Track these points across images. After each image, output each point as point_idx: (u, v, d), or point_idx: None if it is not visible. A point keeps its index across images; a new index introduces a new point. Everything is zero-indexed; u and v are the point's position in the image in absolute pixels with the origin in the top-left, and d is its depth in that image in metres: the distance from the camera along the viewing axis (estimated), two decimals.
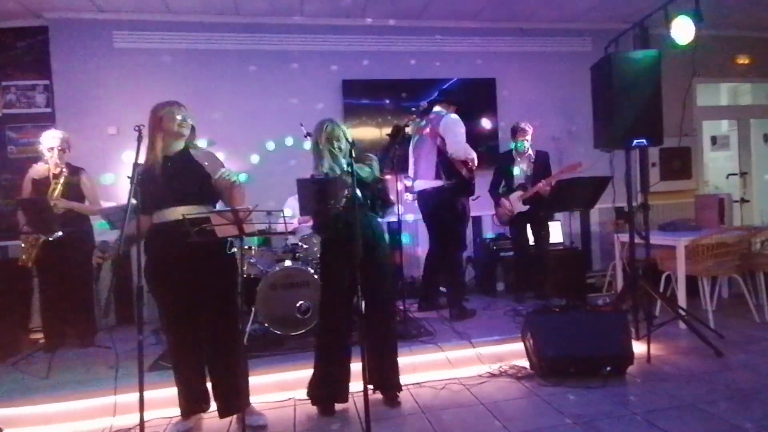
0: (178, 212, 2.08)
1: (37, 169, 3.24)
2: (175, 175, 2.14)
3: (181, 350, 2.27)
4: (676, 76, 3.78)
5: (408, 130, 3.46)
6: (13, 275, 3.32)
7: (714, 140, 6.14)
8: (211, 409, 2.42)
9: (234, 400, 2.20)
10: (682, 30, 3.31)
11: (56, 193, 3.14)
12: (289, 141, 4.39)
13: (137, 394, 1.89)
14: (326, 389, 2.41)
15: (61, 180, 3.17)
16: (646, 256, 3.36)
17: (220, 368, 2.24)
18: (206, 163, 2.21)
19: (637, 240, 3.21)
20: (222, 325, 2.20)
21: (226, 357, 2.20)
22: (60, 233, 2.94)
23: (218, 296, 2.20)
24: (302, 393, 2.60)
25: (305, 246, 3.46)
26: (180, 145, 2.22)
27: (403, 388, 2.54)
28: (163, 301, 2.27)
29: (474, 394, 2.54)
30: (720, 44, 5.02)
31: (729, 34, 5.10)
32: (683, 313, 3.17)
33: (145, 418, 1.92)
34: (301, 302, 3.18)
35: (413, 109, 3.55)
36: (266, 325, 3.16)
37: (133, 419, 2.21)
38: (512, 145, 4.03)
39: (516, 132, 3.98)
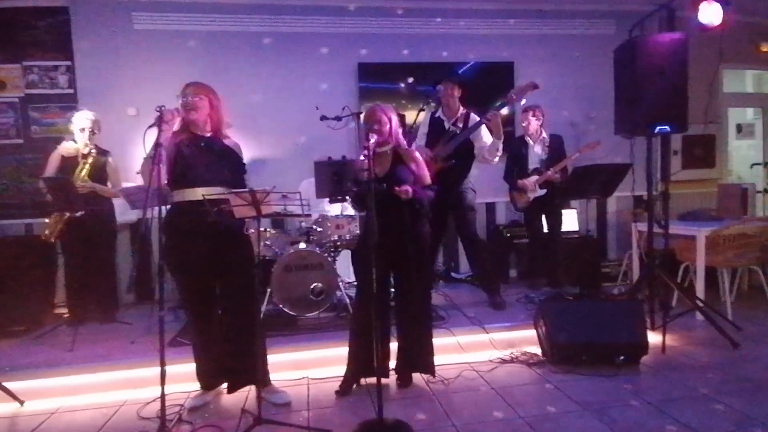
0: (198, 192, 2.12)
1: (67, 148, 3.30)
2: (208, 157, 2.20)
3: (200, 326, 2.33)
4: (703, 61, 3.65)
5: (419, 118, 3.43)
6: (39, 252, 3.43)
7: (739, 128, 5.94)
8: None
9: (244, 376, 2.29)
10: (710, 13, 3.19)
11: (83, 173, 3.21)
12: (305, 124, 4.39)
13: (157, 368, 1.95)
14: (353, 368, 2.46)
15: (89, 161, 3.24)
16: (665, 246, 3.31)
17: (236, 344, 2.28)
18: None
19: (655, 229, 3.15)
20: (241, 302, 2.25)
21: (243, 333, 2.24)
22: (83, 212, 3.02)
23: (237, 273, 2.24)
24: (316, 372, 2.66)
25: (319, 229, 3.48)
26: (207, 129, 2.28)
27: (414, 371, 2.56)
28: (183, 278, 2.30)
29: (485, 379, 2.56)
30: (748, 30, 4.82)
31: (757, 21, 4.88)
32: (701, 304, 3.13)
33: (165, 392, 1.98)
34: (314, 284, 3.22)
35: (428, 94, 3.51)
36: (280, 306, 3.22)
37: (153, 392, 2.29)
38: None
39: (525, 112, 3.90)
